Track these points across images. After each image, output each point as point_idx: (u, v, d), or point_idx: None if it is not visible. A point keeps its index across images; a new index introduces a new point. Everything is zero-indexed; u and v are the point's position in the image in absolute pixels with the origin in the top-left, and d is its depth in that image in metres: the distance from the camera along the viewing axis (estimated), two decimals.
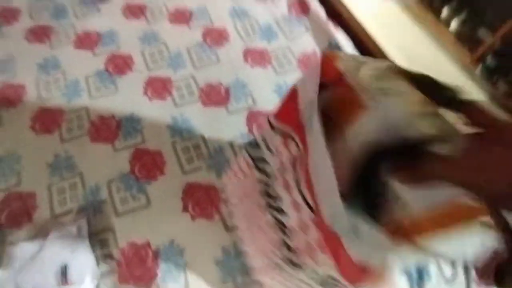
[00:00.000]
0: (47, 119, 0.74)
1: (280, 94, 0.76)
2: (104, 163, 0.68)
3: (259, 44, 0.86)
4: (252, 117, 0.73)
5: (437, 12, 1.81)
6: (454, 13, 1.73)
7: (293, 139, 0.32)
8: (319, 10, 0.85)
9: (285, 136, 0.33)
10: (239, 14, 0.92)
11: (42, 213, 0.63)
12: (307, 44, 0.84)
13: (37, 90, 0.79)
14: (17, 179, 0.66)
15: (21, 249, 0.56)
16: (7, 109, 0.76)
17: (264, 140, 0.37)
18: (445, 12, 1.78)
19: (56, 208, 0.63)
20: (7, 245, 0.58)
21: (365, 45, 0.79)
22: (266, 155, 0.37)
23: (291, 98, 0.33)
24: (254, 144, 0.39)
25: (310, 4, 0.87)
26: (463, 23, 1.78)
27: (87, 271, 0.54)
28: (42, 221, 0.62)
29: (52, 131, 0.73)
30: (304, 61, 0.82)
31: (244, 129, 0.71)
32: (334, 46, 0.80)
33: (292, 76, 0.79)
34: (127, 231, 0.60)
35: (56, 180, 0.66)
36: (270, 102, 0.75)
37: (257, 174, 0.41)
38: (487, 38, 0.98)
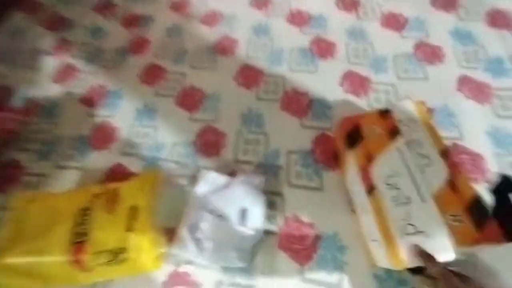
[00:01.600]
0: (249, 76, 0.83)
1: (494, 138, 0.65)
2: (288, 133, 0.71)
3: (481, 75, 0.75)
4: (456, 150, 0.64)
5: None
6: None
7: None
8: None
9: None
10: (462, 36, 0.83)
11: (228, 153, 0.70)
12: None
13: (246, 48, 0.89)
14: (215, 116, 0.76)
15: (213, 177, 0.64)
16: (221, 57, 0.88)
17: None
18: None
19: (240, 155, 0.70)
20: (201, 168, 0.67)
21: None
22: None
23: None
24: None
25: None
26: None
27: (259, 223, 0.58)
28: (227, 161, 0.69)
29: (251, 87, 0.80)
30: None
31: None
32: None
33: None
34: (295, 204, 0.62)
35: (245, 130, 0.73)
36: (478, 142, 0.65)
37: None
38: None
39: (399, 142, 0.53)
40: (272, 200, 0.63)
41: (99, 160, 0.73)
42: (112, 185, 0.65)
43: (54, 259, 0.54)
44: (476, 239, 0.41)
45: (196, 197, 0.62)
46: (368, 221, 0.50)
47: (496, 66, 0.75)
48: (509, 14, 0.84)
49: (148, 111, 0.79)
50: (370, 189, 0.50)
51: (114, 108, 0.82)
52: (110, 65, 0.90)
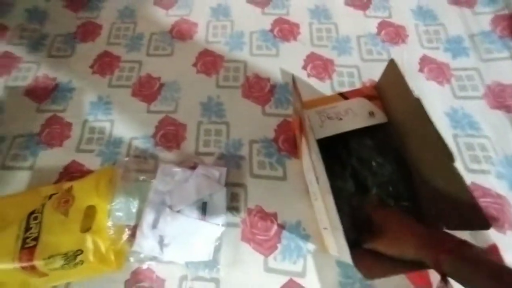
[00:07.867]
0: (208, 62, 0.78)
1: (452, 119, 0.66)
2: (250, 122, 0.69)
3: (441, 56, 0.75)
4: None
5: None
6: None
7: None
8: None
9: None
10: (425, 15, 0.82)
11: (188, 145, 0.67)
12: (506, 73, 0.70)
13: (206, 32, 0.83)
14: (175, 106, 0.72)
15: (173, 171, 0.62)
16: (179, 42, 0.82)
17: None
18: None
19: (200, 146, 0.67)
20: (160, 162, 0.64)
21: None
22: None
23: None
24: None
25: None
26: None
27: (220, 216, 0.57)
28: (188, 153, 0.66)
29: (210, 74, 0.76)
30: (495, 92, 0.69)
31: None
32: None
33: (472, 104, 0.68)
34: (258, 195, 0.61)
35: (205, 120, 0.70)
36: (438, 123, 0.66)
37: None
38: None
39: None
40: (235, 192, 0.62)
41: (53, 158, 0.68)
42: (66, 185, 0.61)
43: (3, 266, 0.52)
44: None
45: (155, 192, 0.60)
46: (319, 209, 0.50)
47: (456, 48, 0.76)
48: None
49: (103, 104, 0.74)
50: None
51: (66, 102, 0.76)
52: (57, 54, 0.83)
